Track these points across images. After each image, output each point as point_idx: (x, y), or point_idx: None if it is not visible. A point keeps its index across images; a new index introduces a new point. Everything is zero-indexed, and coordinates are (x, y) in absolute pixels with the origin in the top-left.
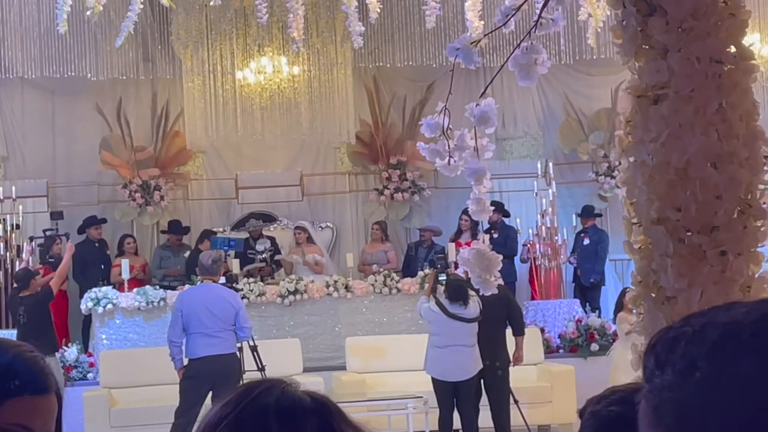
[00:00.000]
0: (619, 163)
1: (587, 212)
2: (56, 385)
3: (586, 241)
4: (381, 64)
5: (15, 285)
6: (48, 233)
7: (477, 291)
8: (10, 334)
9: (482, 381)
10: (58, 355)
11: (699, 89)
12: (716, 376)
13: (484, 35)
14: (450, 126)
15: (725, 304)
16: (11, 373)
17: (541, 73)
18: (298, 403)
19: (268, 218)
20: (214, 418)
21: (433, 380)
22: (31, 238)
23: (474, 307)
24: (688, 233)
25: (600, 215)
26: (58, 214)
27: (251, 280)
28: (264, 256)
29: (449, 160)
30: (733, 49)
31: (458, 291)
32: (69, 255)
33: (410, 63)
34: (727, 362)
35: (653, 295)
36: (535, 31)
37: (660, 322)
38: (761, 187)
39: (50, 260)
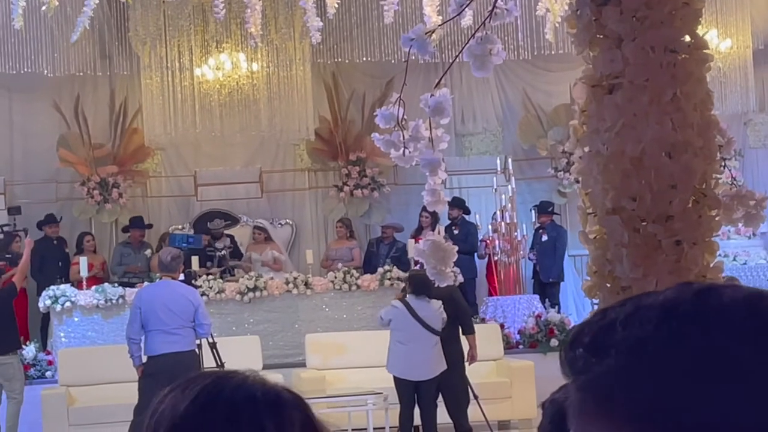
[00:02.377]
0: (571, 156)
1: (543, 208)
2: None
3: (545, 238)
4: (340, 60)
5: None
6: (5, 229)
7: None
8: None
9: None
10: (24, 352)
11: (653, 78)
12: (665, 351)
13: (439, 25)
14: (405, 117)
15: (638, 295)
16: None
17: (495, 63)
18: (281, 395)
19: (232, 219)
20: (176, 411)
21: (395, 378)
22: None
23: (438, 310)
24: (643, 223)
25: (556, 213)
26: (16, 210)
27: (210, 277)
28: (223, 253)
29: (404, 151)
30: (687, 38)
31: (422, 284)
32: (28, 250)
33: (369, 59)
34: (675, 336)
35: (608, 285)
36: (489, 21)
37: None
38: (715, 176)
39: (7, 256)
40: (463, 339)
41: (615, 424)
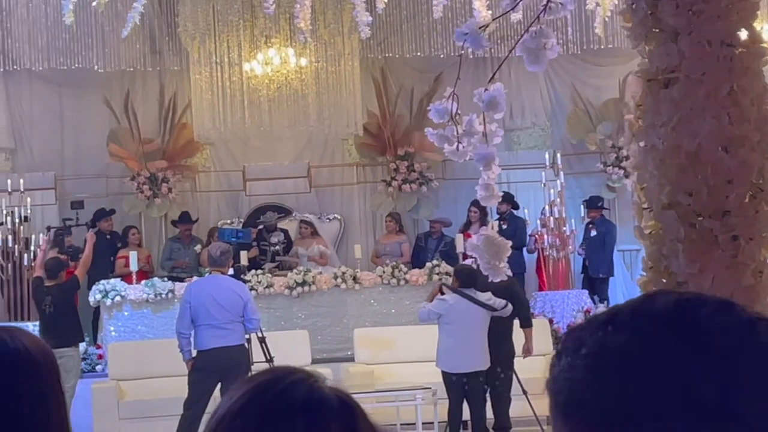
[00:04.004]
0: (620, 150)
1: (592, 203)
2: (52, 361)
3: (594, 233)
4: (389, 54)
5: (38, 275)
6: (68, 223)
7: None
8: (32, 324)
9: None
10: (83, 346)
11: (710, 73)
12: (597, 350)
13: (493, 19)
14: (458, 112)
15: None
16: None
17: (550, 57)
18: (326, 401)
19: (284, 211)
20: (236, 404)
21: (443, 373)
22: (49, 228)
23: (488, 300)
24: (700, 218)
25: (606, 208)
26: (79, 204)
27: (259, 271)
28: (277, 248)
29: (458, 146)
30: (744, 32)
31: (470, 276)
32: (90, 244)
33: (418, 54)
34: (607, 337)
35: (664, 281)
36: (544, 15)
37: None
38: None
39: (69, 250)
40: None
41: (559, 422)
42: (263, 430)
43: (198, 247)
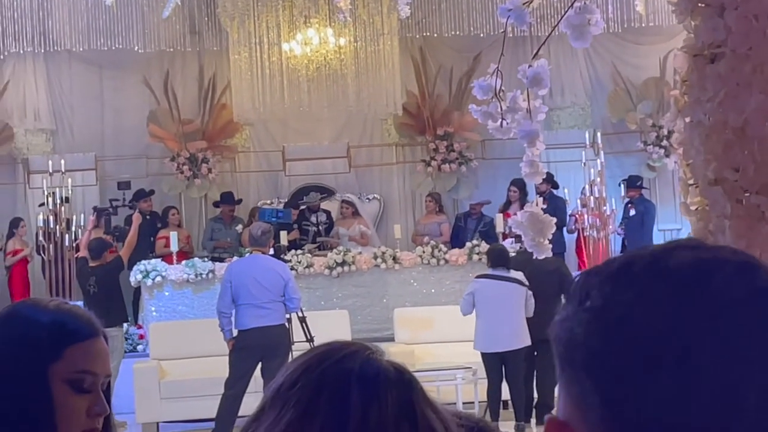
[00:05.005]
0: (672, 130)
1: (632, 183)
2: (101, 327)
3: (633, 212)
4: (428, 34)
5: (83, 255)
6: (114, 204)
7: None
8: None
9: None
10: (125, 326)
11: (757, 47)
12: (601, 304)
13: None
14: (502, 88)
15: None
16: (59, 325)
17: (594, 33)
18: (382, 372)
19: (327, 191)
20: (294, 375)
21: (482, 354)
22: (95, 209)
23: (519, 274)
24: (746, 194)
25: (645, 187)
26: (126, 185)
27: (299, 251)
28: (319, 228)
29: (502, 123)
30: None
31: (500, 256)
32: (136, 225)
33: (457, 33)
34: (614, 291)
35: None
36: None
37: None
38: None
39: (116, 233)
40: None
41: (559, 367)
42: (319, 398)
43: (239, 227)
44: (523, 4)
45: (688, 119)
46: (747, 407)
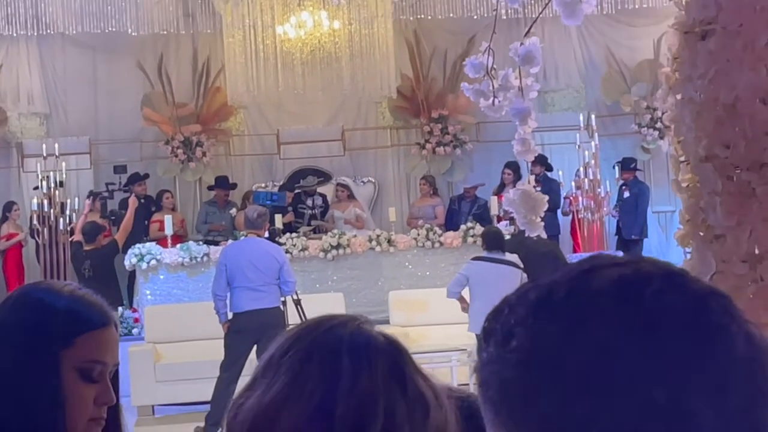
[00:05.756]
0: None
1: (626, 165)
2: (113, 316)
3: (627, 194)
4: (422, 16)
5: (77, 239)
6: (111, 188)
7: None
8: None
9: None
10: (120, 310)
11: (747, 24)
12: (529, 342)
13: None
14: (494, 67)
15: (570, 265)
16: (72, 313)
17: (586, 12)
18: (372, 340)
19: (324, 175)
20: (285, 344)
21: (477, 336)
22: (91, 193)
23: (514, 257)
24: (737, 170)
25: (639, 169)
26: (122, 168)
27: (294, 235)
28: (315, 211)
29: (494, 100)
30: None
31: (495, 238)
32: (132, 209)
33: (451, 15)
34: (538, 326)
35: (701, 233)
36: None
37: (709, 261)
38: None
39: (112, 218)
40: None
41: (488, 415)
42: (310, 364)
43: (233, 211)
44: None
45: (679, 96)
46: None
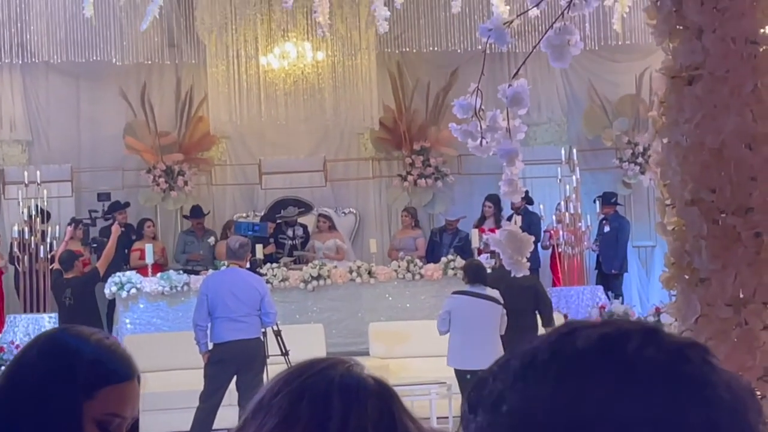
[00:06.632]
0: (647, 147)
1: (606, 199)
2: (137, 369)
3: (607, 229)
4: (405, 49)
5: (57, 267)
6: (93, 215)
7: (500, 285)
8: (48, 317)
9: None
10: None
11: (734, 70)
12: (522, 404)
13: (517, 15)
14: (482, 107)
15: (518, 344)
16: (97, 364)
17: (573, 54)
18: (362, 382)
19: (305, 206)
20: (275, 386)
21: (455, 371)
22: (72, 220)
23: (497, 296)
24: (723, 214)
25: (620, 204)
26: (106, 196)
27: (275, 265)
28: (295, 242)
29: (481, 141)
30: None
31: (477, 271)
32: (114, 237)
33: (435, 48)
34: (531, 388)
35: (687, 276)
36: (567, 12)
37: (694, 304)
38: None
39: (93, 245)
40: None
41: None
42: (300, 404)
43: (212, 240)
44: (504, 24)
45: (665, 140)
46: None
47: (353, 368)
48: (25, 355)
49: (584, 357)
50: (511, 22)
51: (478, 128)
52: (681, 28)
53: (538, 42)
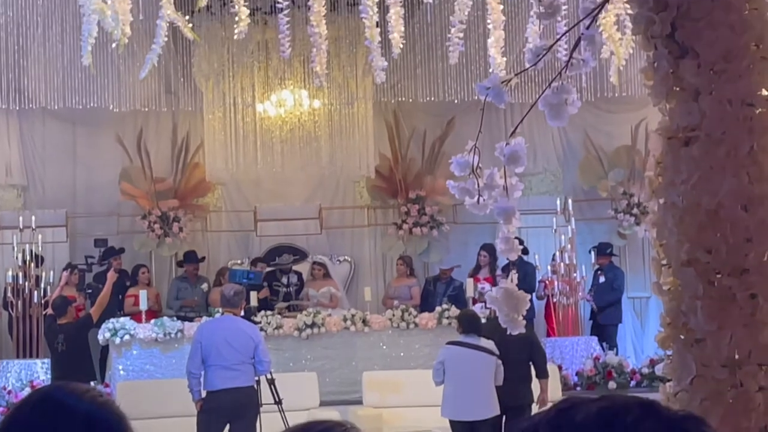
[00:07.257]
0: (640, 203)
1: (601, 250)
2: (130, 427)
3: (602, 279)
4: (402, 98)
5: (50, 313)
6: (90, 261)
7: (494, 335)
8: (41, 362)
9: (504, 421)
10: (92, 384)
11: (730, 132)
12: None
13: (515, 74)
14: (479, 164)
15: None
16: (90, 423)
17: (571, 113)
18: None
19: (300, 253)
20: None
21: (450, 422)
22: (68, 266)
23: (491, 347)
24: (718, 275)
25: (615, 254)
26: (102, 242)
27: (269, 312)
28: (290, 289)
29: (479, 199)
30: (764, 92)
31: (471, 321)
32: (110, 283)
33: (431, 98)
34: None
35: (682, 337)
36: (565, 71)
37: (689, 365)
38: None
39: (88, 291)
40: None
41: None
42: None
43: (205, 286)
44: (502, 82)
45: (662, 200)
46: None
47: (350, 431)
48: (19, 413)
49: (584, 431)
50: (509, 80)
51: (476, 186)
52: (678, 89)
53: (535, 101)
